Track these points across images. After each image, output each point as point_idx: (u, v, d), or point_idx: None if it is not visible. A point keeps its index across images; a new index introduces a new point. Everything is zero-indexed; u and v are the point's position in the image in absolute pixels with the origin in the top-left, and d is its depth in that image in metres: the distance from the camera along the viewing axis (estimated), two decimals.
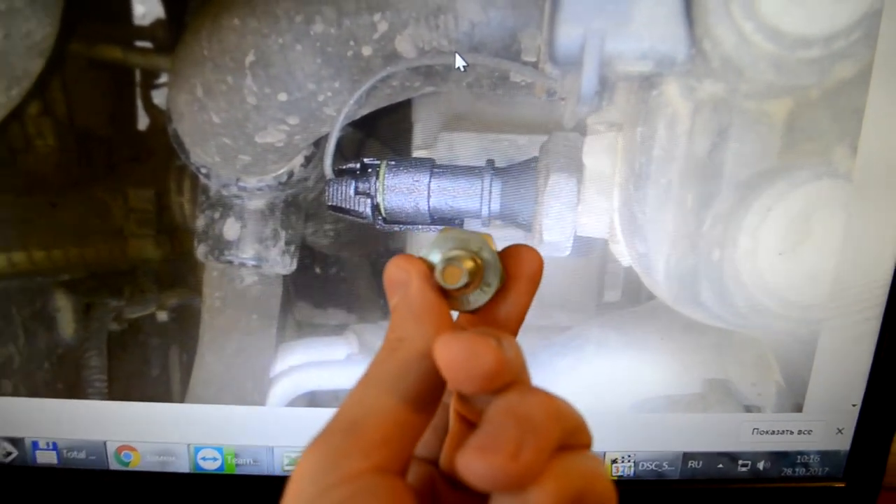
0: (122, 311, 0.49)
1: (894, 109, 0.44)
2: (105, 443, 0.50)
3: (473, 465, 0.19)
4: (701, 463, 0.51)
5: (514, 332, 0.25)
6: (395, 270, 0.24)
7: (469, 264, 0.23)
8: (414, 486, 0.25)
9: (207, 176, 0.46)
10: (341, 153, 0.46)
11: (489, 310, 0.25)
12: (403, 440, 0.22)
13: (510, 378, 0.21)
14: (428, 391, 0.22)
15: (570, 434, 0.21)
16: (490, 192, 0.45)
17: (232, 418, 0.49)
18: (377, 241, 0.50)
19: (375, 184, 0.45)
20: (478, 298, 0.24)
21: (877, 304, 0.48)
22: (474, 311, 0.24)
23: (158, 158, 0.47)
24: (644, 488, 0.51)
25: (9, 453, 0.50)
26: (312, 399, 0.50)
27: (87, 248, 0.47)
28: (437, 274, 0.23)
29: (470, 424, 0.24)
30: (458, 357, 0.20)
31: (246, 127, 0.44)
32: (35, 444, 0.50)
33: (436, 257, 0.24)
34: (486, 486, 0.19)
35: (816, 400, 0.50)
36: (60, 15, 0.43)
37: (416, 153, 0.47)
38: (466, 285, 0.23)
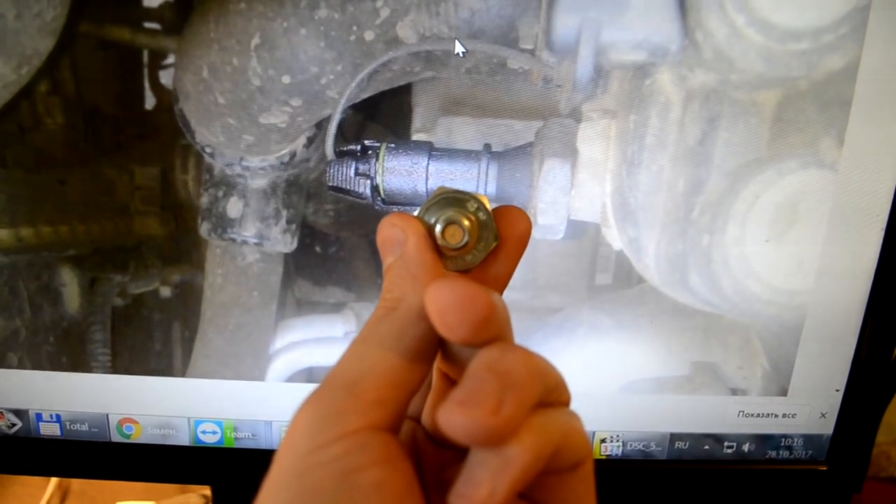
0: (126, 287, 0.50)
1: (880, 102, 0.45)
2: (107, 415, 0.51)
3: (454, 419, 0.19)
4: (687, 444, 0.52)
5: (501, 292, 0.26)
6: (390, 229, 0.24)
7: (467, 224, 0.24)
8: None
9: (212, 155, 0.47)
10: (342, 135, 0.47)
11: (479, 269, 0.25)
12: (400, 398, 0.22)
13: (497, 330, 0.21)
14: (425, 350, 0.22)
15: (549, 391, 0.22)
16: (486, 176, 0.46)
17: (232, 393, 0.50)
18: (376, 221, 0.50)
19: (375, 165, 0.46)
20: (473, 258, 0.24)
21: (860, 292, 0.49)
22: (466, 271, 0.25)
23: (164, 137, 0.47)
24: (632, 468, 0.53)
25: (13, 424, 0.51)
26: (311, 375, 0.51)
27: (93, 225, 0.48)
28: (438, 233, 0.24)
29: (452, 382, 0.25)
30: (451, 301, 0.20)
31: (250, 108, 0.45)
32: (39, 416, 0.51)
33: (432, 216, 0.24)
34: (466, 440, 0.19)
35: (801, 384, 0.51)
36: None
37: (416, 136, 0.48)
38: (465, 245, 0.24)
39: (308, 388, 0.48)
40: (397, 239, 0.24)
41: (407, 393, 0.22)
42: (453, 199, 0.24)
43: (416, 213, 0.24)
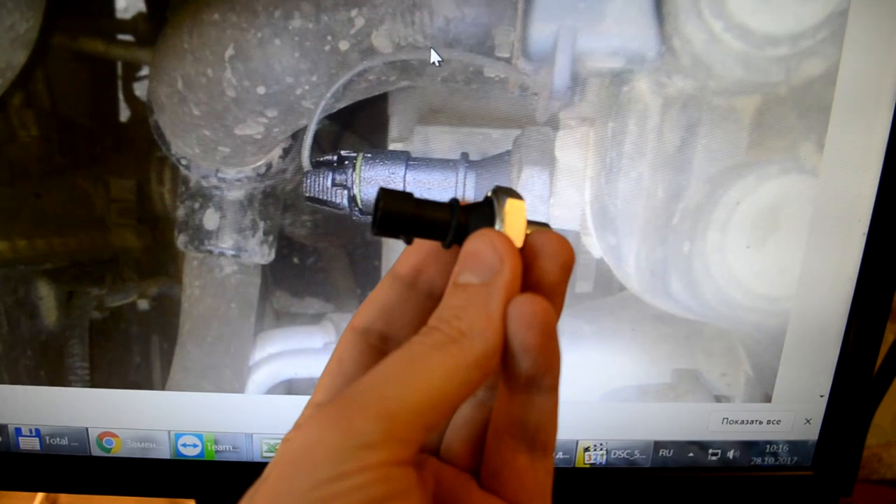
0: (103, 300, 0.50)
1: (860, 107, 0.45)
2: (87, 429, 0.50)
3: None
4: (672, 451, 0.52)
5: None
6: (487, 248, 0.22)
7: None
8: None
9: (187, 167, 0.47)
10: (319, 145, 0.46)
11: None
12: (428, 436, 0.21)
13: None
14: (467, 396, 0.22)
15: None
16: (464, 185, 0.46)
17: (212, 405, 0.50)
18: (354, 231, 0.50)
19: (352, 176, 0.46)
20: None
21: (843, 297, 0.49)
22: None
23: (139, 150, 0.47)
24: (616, 476, 0.52)
25: None
26: (290, 387, 0.51)
27: (70, 238, 0.48)
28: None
29: None
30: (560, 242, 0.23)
31: (225, 119, 0.44)
32: (18, 431, 0.50)
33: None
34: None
35: (785, 390, 0.51)
36: (43, 8, 0.43)
37: (392, 146, 0.48)
38: None
39: (288, 399, 0.47)
40: (490, 264, 0.22)
41: (437, 431, 0.22)
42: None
43: (498, 226, 0.23)
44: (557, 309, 0.24)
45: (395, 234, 0.23)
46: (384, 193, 0.23)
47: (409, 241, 0.25)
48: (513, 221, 0.23)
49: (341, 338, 0.26)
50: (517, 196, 0.23)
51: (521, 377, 0.22)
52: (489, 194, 0.24)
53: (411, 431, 0.20)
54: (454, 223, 0.23)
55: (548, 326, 0.22)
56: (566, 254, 0.23)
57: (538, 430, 0.24)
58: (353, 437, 0.20)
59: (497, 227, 0.23)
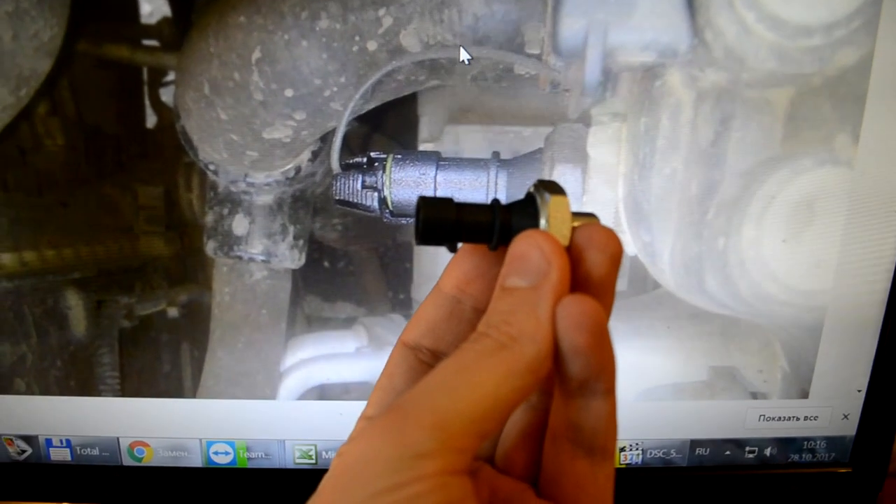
0: (132, 308, 0.49)
1: (895, 97, 0.44)
2: (118, 439, 0.50)
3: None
4: (708, 450, 0.51)
5: None
6: (534, 250, 0.22)
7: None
8: None
9: (216, 172, 0.47)
10: (348, 147, 0.46)
11: None
12: (483, 444, 0.21)
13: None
14: (520, 402, 0.21)
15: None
16: (496, 184, 0.45)
17: (243, 412, 0.49)
18: (385, 234, 0.50)
19: (382, 177, 0.45)
20: None
21: (880, 291, 0.48)
22: None
23: (167, 156, 0.47)
24: (652, 476, 0.52)
25: (23, 451, 0.50)
26: (323, 392, 0.50)
27: (98, 246, 0.48)
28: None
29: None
30: (607, 233, 0.22)
31: (253, 123, 0.44)
32: (49, 442, 0.50)
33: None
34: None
35: (822, 386, 0.50)
36: (67, 15, 0.43)
37: (422, 146, 0.47)
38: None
39: (321, 405, 0.47)
40: (537, 267, 0.22)
41: (491, 439, 0.22)
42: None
43: (543, 224, 0.22)
44: (608, 305, 0.23)
45: (439, 242, 0.23)
46: (424, 202, 0.22)
47: (453, 249, 0.24)
48: (557, 219, 0.22)
49: (391, 353, 0.26)
50: (560, 190, 0.23)
51: (573, 380, 0.22)
52: (531, 190, 0.23)
53: (465, 440, 0.20)
54: (497, 225, 0.22)
55: (598, 327, 0.21)
56: (614, 245, 0.22)
57: (595, 435, 0.23)
58: (408, 447, 0.20)
59: (542, 225, 0.22)
